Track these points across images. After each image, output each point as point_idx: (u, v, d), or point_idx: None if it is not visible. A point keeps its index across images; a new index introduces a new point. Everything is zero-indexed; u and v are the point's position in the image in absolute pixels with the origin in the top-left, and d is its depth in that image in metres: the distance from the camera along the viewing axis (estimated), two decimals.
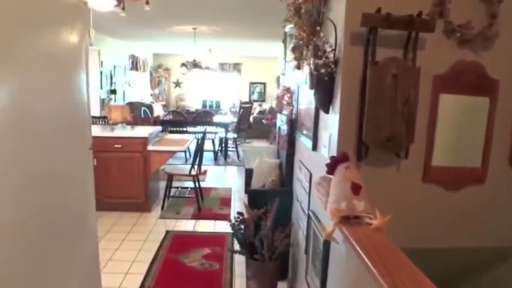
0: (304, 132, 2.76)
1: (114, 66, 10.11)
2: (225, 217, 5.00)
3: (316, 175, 2.47)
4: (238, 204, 5.48)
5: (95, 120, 6.45)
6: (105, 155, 4.87)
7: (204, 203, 5.50)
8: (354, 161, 1.96)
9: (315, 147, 2.44)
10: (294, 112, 3.19)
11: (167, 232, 4.47)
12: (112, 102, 9.60)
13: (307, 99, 2.77)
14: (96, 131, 5.23)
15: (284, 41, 4.27)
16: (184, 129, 8.62)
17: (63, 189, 2.17)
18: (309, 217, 2.51)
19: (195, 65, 9.58)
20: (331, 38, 2.01)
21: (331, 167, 1.89)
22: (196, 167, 5.26)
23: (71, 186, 2.28)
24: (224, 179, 7.34)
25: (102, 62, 9.13)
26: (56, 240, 2.09)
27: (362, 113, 1.90)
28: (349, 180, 1.84)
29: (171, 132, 8.47)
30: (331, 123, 2.10)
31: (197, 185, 5.36)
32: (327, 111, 2.11)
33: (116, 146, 4.85)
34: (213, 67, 13.16)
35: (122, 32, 9.03)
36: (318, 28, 2.06)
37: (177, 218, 4.94)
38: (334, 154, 1.98)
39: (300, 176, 2.92)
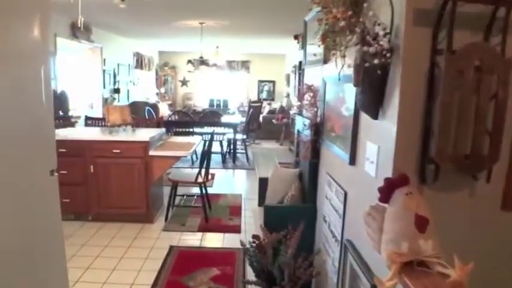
0: (335, 140, 2.26)
1: (118, 64, 9.66)
2: (235, 229, 4.52)
3: (354, 195, 1.97)
4: (249, 214, 4.99)
5: (94, 121, 5.99)
6: (103, 160, 4.41)
7: (211, 212, 5.02)
8: (415, 185, 1.46)
9: (352, 161, 1.94)
10: (318, 114, 2.69)
11: (171, 248, 3.99)
12: (115, 102, 9.16)
13: (338, 100, 2.27)
14: (94, 134, 4.76)
15: (303, 34, 3.75)
16: (191, 129, 8.14)
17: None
18: (344, 248, 2.00)
19: (202, 62, 9.09)
20: (384, 17, 1.51)
21: (386, 193, 1.40)
22: (203, 173, 4.78)
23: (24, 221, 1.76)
24: (233, 184, 6.86)
25: (104, 60, 8.69)
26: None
27: (428, 119, 1.40)
28: (412, 212, 1.35)
29: (177, 133, 8.00)
30: (381, 132, 1.59)
31: (204, 192, 4.88)
32: (375, 116, 1.60)
33: (114, 151, 4.38)
34: (221, 65, 12.68)
35: (125, 29, 8.59)
36: (365, 5, 1.56)
37: (182, 231, 4.45)
38: (388, 175, 1.48)
39: (328, 193, 2.41)
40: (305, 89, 2.99)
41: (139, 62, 11.48)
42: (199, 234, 4.41)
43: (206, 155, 4.81)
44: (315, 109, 2.71)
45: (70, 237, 4.16)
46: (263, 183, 3.57)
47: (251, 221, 4.63)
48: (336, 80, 2.17)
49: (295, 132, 3.42)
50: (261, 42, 10.63)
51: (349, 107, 2.01)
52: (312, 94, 2.84)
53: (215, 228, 4.55)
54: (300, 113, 3.32)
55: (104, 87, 8.74)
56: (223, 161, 8.20)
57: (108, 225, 4.49)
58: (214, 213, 5.02)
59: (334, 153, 2.27)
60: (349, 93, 2.03)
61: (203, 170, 4.75)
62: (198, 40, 9.03)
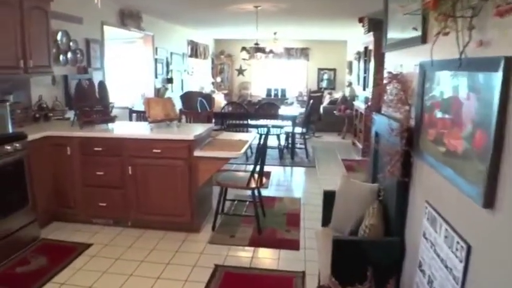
0: (448, 159, 1.49)
1: (171, 53, 9.26)
2: (294, 245, 3.83)
3: (488, 256, 1.20)
4: (309, 225, 4.28)
5: (140, 115, 5.54)
6: (142, 161, 3.90)
7: (265, 219, 4.37)
8: None
9: (489, 202, 1.17)
10: (412, 116, 1.91)
11: (216, 267, 3.38)
12: (168, 92, 8.78)
13: (453, 97, 1.49)
14: (132, 131, 4.24)
15: (383, 8, 2.94)
16: (245, 122, 7.52)
17: None
18: None
19: (258, 49, 8.41)
20: None
21: None
22: (256, 176, 4.12)
23: None
24: (291, 184, 6.14)
25: (156, 49, 8.29)
26: None
27: None
28: None
29: (230, 126, 7.43)
30: None
31: (257, 198, 4.24)
32: None
33: (154, 151, 3.84)
34: (278, 52, 11.93)
35: (177, 16, 8.11)
36: None
37: (231, 244, 3.83)
38: None
39: (430, 233, 1.65)
40: (388, 79, 2.22)
41: (194, 50, 11.04)
42: (250, 249, 3.77)
43: (261, 155, 4.14)
44: (406, 107, 1.93)
45: (105, 247, 3.71)
46: (328, 197, 2.84)
47: (311, 235, 3.92)
48: (451, 67, 1.39)
49: (372, 134, 2.64)
50: (321, 27, 9.77)
51: (482, 112, 1.23)
52: (399, 86, 2.06)
53: (269, 243, 3.89)
54: (378, 111, 2.55)
55: (156, 77, 8.36)
56: (281, 156, 7.50)
57: (149, 233, 3.99)
58: (269, 221, 4.36)
59: (445, 178, 1.50)
60: (482, 88, 1.25)
61: (257, 171, 4.10)
62: (254, 27, 8.38)
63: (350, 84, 11.28)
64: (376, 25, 7.37)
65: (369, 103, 7.33)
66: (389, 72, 2.22)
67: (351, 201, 2.50)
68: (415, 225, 1.88)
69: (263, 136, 4.10)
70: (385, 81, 2.25)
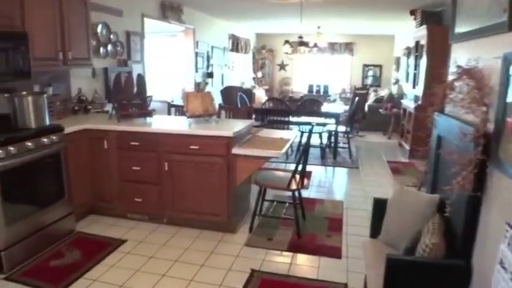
0: None
1: (212, 47, 9.14)
2: (335, 252, 3.56)
3: None
4: (352, 231, 4.00)
5: (179, 109, 5.43)
6: (179, 157, 3.77)
7: (305, 223, 4.13)
8: None
9: None
10: (490, 119, 1.61)
11: (253, 273, 3.18)
12: (208, 86, 8.68)
13: None
14: (169, 126, 4.10)
15: None
16: (287, 118, 7.27)
17: None
18: None
19: (302, 42, 8.11)
20: None
21: None
22: (298, 176, 3.88)
23: None
24: (332, 186, 5.84)
25: (197, 42, 8.19)
26: None
27: None
28: None
29: (271, 122, 7.21)
30: None
31: (298, 200, 4.01)
32: None
33: (191, 147, 3.68)
34: (322, 47, 11.56)
35: (218, 8, 7.94)
36: None
37: (269, 248, 3.62)
38: None
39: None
40: (457, 74, 1.92)
41: (235, 44, 10.89)
42: (289, 254, 3.54)
43: (303, 154, 3.89)
44: (483, 108, 1.63)
45: (140, 244, 3.61)
46: (378, 206, 2.56)
47: (354, 243, 3.66)
48: None
49: (433, 137, 2.34)
50: (368, 20, 9.32)
51: None
52: (473, 83, 1.76)
53: (309, 249, 3.64)
54: (442, 111, 2.25)
55: (197, 71, 8.26)
56: (322, 156, 7.19)
57: (184, 231, 3.86)
58: (309, 225, 4.11)
59: None
60: None
61: (298, 171, 3.86)
62: (297, 21, 8.09)
63: (397, 81, 10.76)
64: (430, 17, 6.90)
65: (419, 102, 6.89)
66: (459, 67, 1.92)
67: (405, 212, 2.21)
68: (488, 249, 1.59)
69: (306, 134, 3.85)
70: (452, 77, 1.95)
